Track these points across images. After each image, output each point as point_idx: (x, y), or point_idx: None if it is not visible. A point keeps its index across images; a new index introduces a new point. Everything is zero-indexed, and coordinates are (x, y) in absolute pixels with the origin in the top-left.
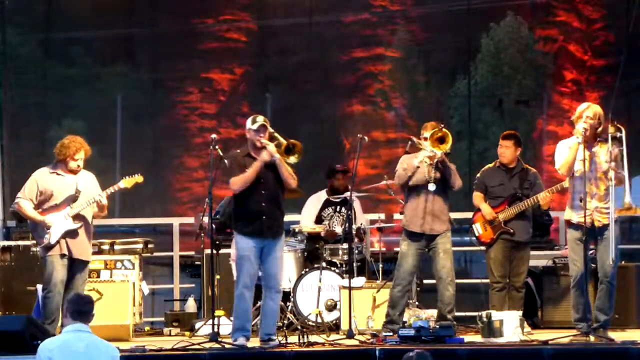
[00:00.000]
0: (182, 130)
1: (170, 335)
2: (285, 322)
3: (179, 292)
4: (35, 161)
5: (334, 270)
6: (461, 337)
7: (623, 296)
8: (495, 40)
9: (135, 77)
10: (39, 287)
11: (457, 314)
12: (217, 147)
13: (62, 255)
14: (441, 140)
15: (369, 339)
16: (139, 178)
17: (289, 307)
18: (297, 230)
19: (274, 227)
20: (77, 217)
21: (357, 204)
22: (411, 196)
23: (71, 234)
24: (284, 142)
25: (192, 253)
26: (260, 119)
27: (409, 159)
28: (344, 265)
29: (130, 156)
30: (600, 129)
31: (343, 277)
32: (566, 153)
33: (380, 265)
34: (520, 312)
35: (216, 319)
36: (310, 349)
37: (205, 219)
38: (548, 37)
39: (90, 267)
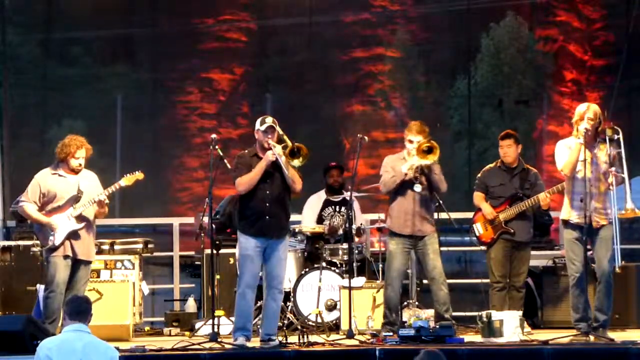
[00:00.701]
0: (182, 130)
1: (170, 335)
2: (286, 322)
3: (179, 292)
4: (35, 161)
5: (334, 270)
6: (461, 337)
7: (623, 296)
8: (495, 40)
9: (135, 77)
10: (40, 287)
11: (457, 313)
12: (217, 147)
13: (66, 256)
14: (428, 151)
15: (369, 339)
16: (139, 175)
17: (289, 307)
18: (297, 230)
19: (277, 227)
20: (80, 217)
21: (355, 204)
22: (397, 197)
23: (75, 234)
24: (290, 144)
25: (192, 253)
26: (269, 120)
27: (394, 162)
28: (344, 265)
29: (130, 156)
30: (600, 128)
31: (343, 277)
32: (568, 153)
33: (380, 265)
34: (521, 312)
35: (216, 319)
36: (310, 349)
37: (205, 219)
38: (548, 37)
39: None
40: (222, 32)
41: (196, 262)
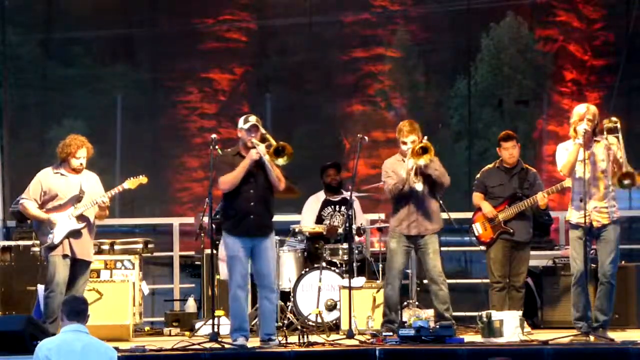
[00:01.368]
0: (182, 130)
1: (170, 335)
2: (285, 322)
3: (179, 292)
4: (35, 161)
5: (334, 270)
6: (461, 337)
7: (623, 296)
8: (495, 40)
9: (135, 77)
10: (40, 287)
11: (457, 313)
12: (217, 147)
13: (65, 256)
14: (422, 151)
15: (369, 339)
16: (143, 179)
17: (289, 307)
18: (297, 230)
19: (262, 226)
20: (81, 217)
21: (356, 204)
22: (399, 197)
23: (74, 234)
24: (274, 143)
25: (192, 253)
26: (253, 119)
27: (393, 165)
28: (344, 265)
29: (130, 156)
30: (597, 128)
31: (343, 277)
32: (567, 155)
33: (380, 265)
34: (520, 312)
35: (216, 319)
36: (311, 349)
37: (205, 219)
38: (548, 37)
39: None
40: (222, 32)
41: (196, 262)
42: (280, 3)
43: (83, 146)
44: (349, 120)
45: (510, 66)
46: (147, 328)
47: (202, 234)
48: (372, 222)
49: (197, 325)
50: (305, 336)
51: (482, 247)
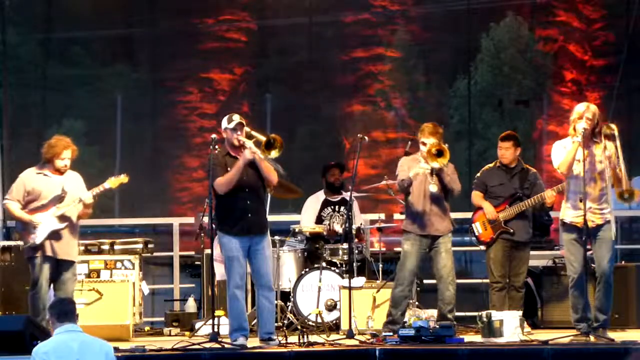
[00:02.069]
0: (182, 130)
1: (170, 335)
2: (285, 322)
3: (179, 292)
4: (35, 161)
5: (334, 270)
6: (461, 337)
7: (623, 296)
8: (495, 40)
9: (135, 77)
10: None
11: (457, 313)
12: (216, 147)
13: (47, 257)
14: (438, 154)
15: (369, 339)
16: (124, 178)
17: (289, 307)
18: (297, 230)
19: (259, 224)
20: (63, 217)
21: (355, 205)
22: (412, 198)
23: (56, 234)
24: (262, 138)
25: (192, 253)
26: (237, 118)
27: (409, 163)
28: (344, 265)
29: (130, 156)
30: (597, 129)
31: (343, 277)
32: (564, 152)
33: (380, 265)
34: (520, 312)
35: (216, 319)
36: (310, 349)
37: (205, 219)
38: (548, 37)
39: (90, 267)
40: (222, 32)
41: (196, 262)
42: (281, 3)
43: (68, 147)
44: (349, 120)
45: (510, 66)
46: (147, 328)
47: (202, 234)
48: (372, 222)
49: (197, 325)
50: (305, 336)
51: (482, 247)
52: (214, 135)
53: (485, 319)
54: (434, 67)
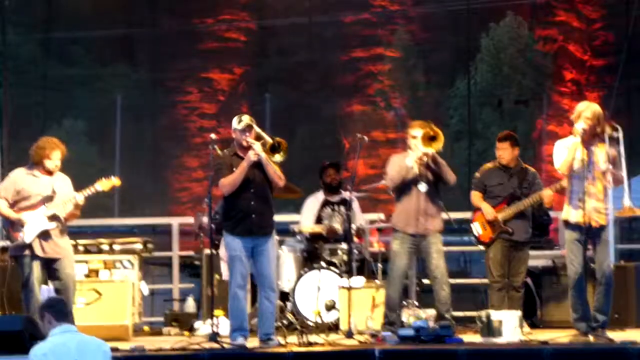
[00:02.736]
0: (181, 130)
1: (169, 335)
2: (285, 322)
3: (178, 292)
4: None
5: (334, 270)
6: (460, 337)
7: (622, 296)
8: (495, 40)
9: (135, 77)
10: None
11: (456, 313)
12: (216, 147)
13: (35, 256)
14: (432, 139)
15: (368, 339)
16: (116, 181)
17: (289, 307)
18: (296, 230)
19: (263, 225)
20: (52, 217)
21: (355, 204)
22: (402, 197)
23: (45, 234)
24: (269, 140)
25: (191, 253)
26: (246, 119)
27: (400, 159)
28: (343, 265)
29: (130, 156)
30: (599, 129)
31: (342, 277)
32: (565, 152)
33: (380, 265)
34: (520, 312)
35: (215, 319)
36: (310, 349)
37: (205, 219)
38: (548, 37)
39: (89, 267)
40: (222, 32)
41: (195, 262)
42: (280, 3)
43: (57, 148)
44: (349, 120)
45: (510, 66)
46: (146, 328)
47: (202, 234)
48: (372, 222)
49: (196, 325)
50: (304, 336)
51: (482, 247)
52: (213, 135)
53: (484, 319)
54: (434, 67)
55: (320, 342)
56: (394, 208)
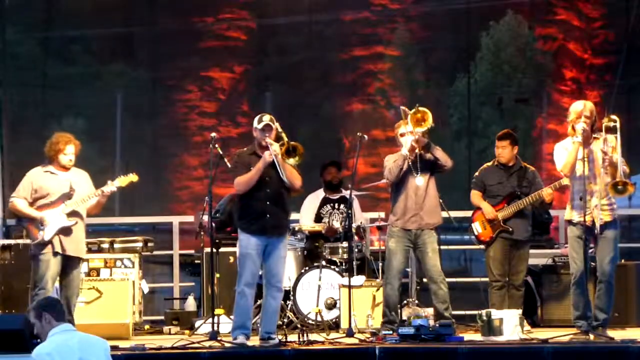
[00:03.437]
0: (181, 129)
1: (170, 333)
2: (285, 320)
3: (179, 291)
4: (35, 160)
5: (334, 269)
6: (461, 335)
7: (623, 295)
8: (495, 38)
9: (135, 75)
10: None
11: (457, 312)
12: (216, 145)
13: (55, 253)
14: (423, 119)
15: (368, 338)
16: (133, 177)
17: (289, 306)
18: (297, 228)
19: (277, 226)
20: (72, 214)
21: (355, 203)
22: (398, 192)
23: (66, 231)
24: (285, 143)
25: (192, 252)
26: (267, 118)
27: (395, 156)
28: (343, 264)
29: (130, 155)
30: (595, 125)
31: (343, 276)
32: (566, 154)
33: (380, 264)
34: (520, 311)
35: (216, 318)
36: (310, 347)
37: (205, 218)
38: (548, 35)
39: (90, 266)
40: (222, 31)
41: (196, 261)
42: (280, 2)
43: (70, 142)
44: (349, 118)
45: (510, 65)
46: (146, 326)
47: (202, 233)
48: (372, 220)
49: (196, 324)
50: (305, 334)
51: (482, 246)
52: (213, 134)
53: (485, 318)
54: (434, 66)
55: (321, 340)
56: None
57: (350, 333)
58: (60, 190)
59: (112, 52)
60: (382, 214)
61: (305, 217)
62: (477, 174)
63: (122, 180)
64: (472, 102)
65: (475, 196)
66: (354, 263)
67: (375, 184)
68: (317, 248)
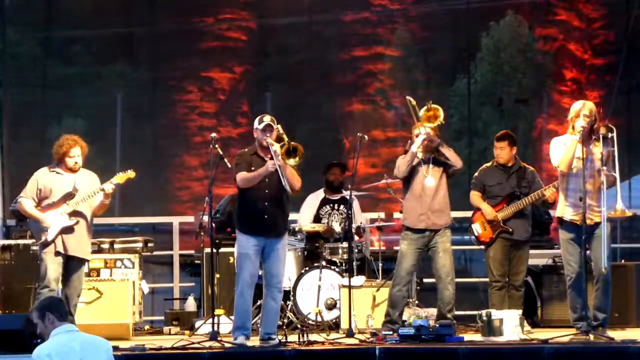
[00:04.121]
0: (181, 129)
1: (170, 334)
2: (285, 321)
3: (179, 291)
4: (35, 160)
5: (334, 269)
6: (461, 335)
7: (622, 295)
8: (495, 39)
9: (135, 75)
10: None
11: (457, 312)
12: (217, 146)
13: (57, 253)
14: (435, 116)
15: (368, 338)
16: (131, 174)
17: (289, 306)
18: (297, 229)
19: (276, 226)
20: (74, 214)
21: (355, 204)
22: (410, 192)
23: (68, 230)
24: (286, 144)
25: (192, 252)
26: (267, 119)
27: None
28: (343, 264)
29: (130, 155)
30: (595, 125)
31: (343, 276)
32: (564, 150)
33: (380, 264)
34: (520, 311)
35: (216, 318)
36: (310, 347)
37: (205, 218)
38: (548, 36)
39: (90, 266)
40: (222, 31)
41: (196, 261)
42: (280, 2)
43: (76, 145)
44: (349, 119)
45: (510, 65)
46: (147, 327)
47: (202, 233)
48: (372, 221)
49: (197, 324)
50: (305, 335)
51: (482, 247)
52: (213, 134)
53: (485, 318)
54: (434, 66)
55: (321, 341)
56: (394, 207)
57: (350, 333)
58: (64, 190)
59: (112, 52)
60: (382, 215)
61: (304, 217)
62: (476, 174)
63: (120, 177)
64: (472, 102)
65: (475, 197)
66: (354, 263)
67: (375, 185)
68: (317, 248)
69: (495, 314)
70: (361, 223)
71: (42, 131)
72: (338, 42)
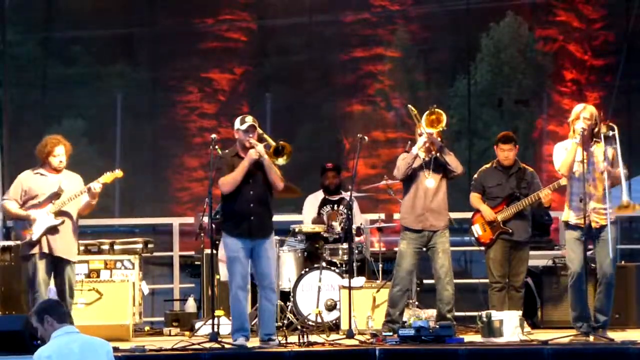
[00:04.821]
0: (181, 130)
1: (170, 335)
2: (285, 322)
3: (179, 292)
4: (35, 160)
5: (334, 270)
6: (461, 337)
7: (623, 296)
8: (495, 40)
9: (135, 76)
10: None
11: (457, 313)
12: (216, 147)
13: (43, 254)
14: (437, 120)
15: (368, 339)
16: (118, 173)
17: (289, 307)
18: (297, 230)
19: (262, 227)
20: (60, 213)
21: (355, 205)
22: (409, 192)
23: (53, 230)
24: (272, 143)
25: (192, 253)
26: (249, 119)
27: (407, 155)
28: (343, 265)
29: (130, 156)
30: (596, 129)
31: (343, 277)
32: (565, 154)
33: (380, 265)
34: (520, 312)
35: (216, 319)
36: (310, 348)
37: (205, 219)
38: (548, 36)
39: (90, 267)
40: (222, 32)
41: (196, 262)
42: (281, 3)
43: (59, 144)
44: (349, 119)
45: (510, 66)
46: (147, 328)
47: (202, 234)
48: (372, 222)
49: (197, 325)
50: (305, 336)
51: (482, 248)
52: (213, 135)
53: (485, 319)
54: (434, 67)
55: (321, 342)
56: (394, 208)
57: (350, 334)
58: (49, 191)
59: (112, 52)
60: (382, 216)
61: (308, 219)
62: (475, 176)
63: (107, 177)
64: (472, 103)
65: (475, 198)
66: (354, 264)
67: (375, 186)
68: (317, 249)
69: (495, 315)
70: (361, 224)
71: (42, 131)
72: (338, 42)
